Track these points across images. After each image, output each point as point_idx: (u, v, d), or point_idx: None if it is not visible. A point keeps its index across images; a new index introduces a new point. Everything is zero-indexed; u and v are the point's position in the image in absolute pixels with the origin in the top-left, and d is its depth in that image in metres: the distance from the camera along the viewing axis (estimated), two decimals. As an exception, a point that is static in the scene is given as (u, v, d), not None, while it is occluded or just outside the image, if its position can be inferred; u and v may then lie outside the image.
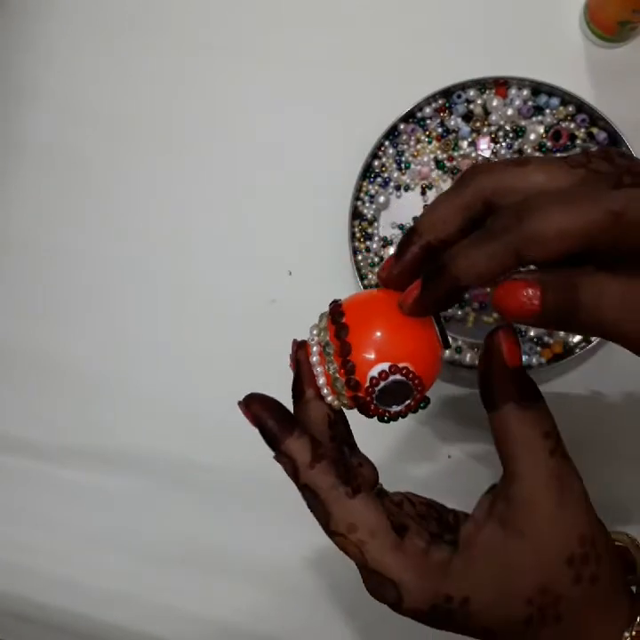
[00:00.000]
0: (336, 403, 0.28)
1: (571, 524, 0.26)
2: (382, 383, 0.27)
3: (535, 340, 0.47)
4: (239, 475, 0.50)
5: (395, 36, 0.52)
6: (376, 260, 0.49)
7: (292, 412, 0.29)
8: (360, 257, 0.49)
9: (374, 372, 0.27)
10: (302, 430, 0.27)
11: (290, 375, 0.50)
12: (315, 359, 0.28)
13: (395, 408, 0.27)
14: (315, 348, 0.28)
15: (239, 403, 0.28)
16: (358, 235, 0.50)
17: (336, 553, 0.51)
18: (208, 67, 0.54)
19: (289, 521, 0.48)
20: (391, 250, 0.49)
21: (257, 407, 0.28)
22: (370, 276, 0.49)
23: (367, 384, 0.27)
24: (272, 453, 0.28)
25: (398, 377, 0.27)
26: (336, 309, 0.28)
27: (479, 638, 0.27)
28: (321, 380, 0.28)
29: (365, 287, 0.48)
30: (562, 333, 0.47)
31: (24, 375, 0.54)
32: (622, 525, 0.39)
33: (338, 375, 0.27)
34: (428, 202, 0.50)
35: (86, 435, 0.53)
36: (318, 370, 0.28)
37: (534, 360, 0.47)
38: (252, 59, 0.54)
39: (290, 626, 0.49)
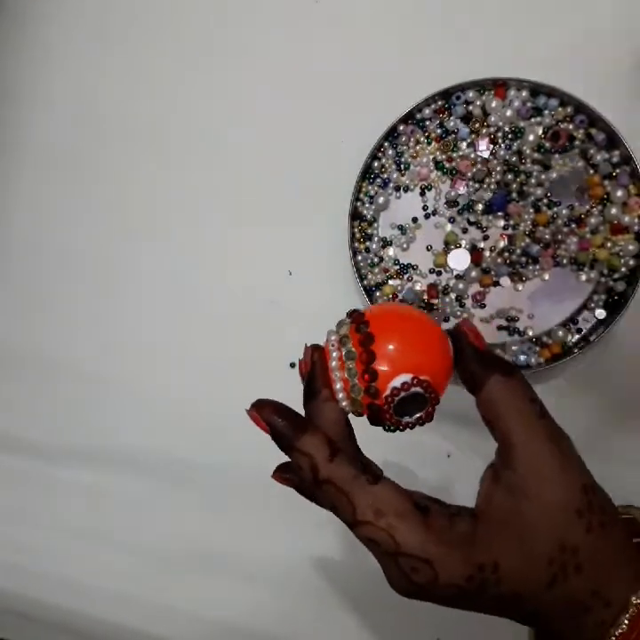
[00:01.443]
0: (349, 408, 0.29)
1: (573, 478, 0.27)
2: (403, 394, 0.27)
3: (534, 340, 0.48)
4: (239, 475, 0.50)
5: (394, 37, 0.52)
6: (376, 260, 0.50)
7: (303, 411, 0.29)
8: (360, 257, 0.49)
9: (397, 382, 0.27)
10: (315, 428, 0.28)
11: (289, 375, 0.50)
12: (334, 364, 0.28)
13: (406, 419, 0.28)
14: (335, 354, 0.28)
15: (248, 409, 0.29)
16: (358, 235, 0.50)
17: (336, 552, 0.52)
18: (208, 68, 0.54)
19: (289, 521, 0.49)
20: (391, 250, 0.50)
21: (267, 411, 0.28)
22: (369, 277, 0.49)
23: (387, 393, 0.27)
24: (284, 455, 0.28)
25: (419, 389, 0.27)
26: (360, 318, 0.29)
27: (505, 610, 0.28)
28: (338, 385, 0.28)
29: (365, 288, 0.48)
30: (560, 333, 0.47)
31: (24, 375, 0.54)
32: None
33: (357, 381, 0.28)
34: (428, 202, 0.50)
35: (86, 435, 0.53)
36: (337, 374, 0.28)
37: (533, 360, 0.47)
38: (253, 60, 0.54)
39: (290, 625, 0.49)
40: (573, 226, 0.48)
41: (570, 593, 0.27)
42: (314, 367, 0.29)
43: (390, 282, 0.49)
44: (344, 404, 0.29)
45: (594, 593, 0.27)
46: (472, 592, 0.27)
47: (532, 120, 0.49)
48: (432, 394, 0.28)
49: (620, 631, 0.26)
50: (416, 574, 0.27)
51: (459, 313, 0.49)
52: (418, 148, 0.50)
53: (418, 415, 0.28)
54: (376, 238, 0.50)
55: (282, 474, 0.30)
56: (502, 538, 0.27)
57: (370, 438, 0.32)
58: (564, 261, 0.48)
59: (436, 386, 0.28)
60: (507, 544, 0.27)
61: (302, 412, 0.29)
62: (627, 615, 0.27)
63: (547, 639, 0.30)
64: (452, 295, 0.49)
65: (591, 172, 0.48)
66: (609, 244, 0.47)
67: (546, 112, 0.49)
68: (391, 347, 0.28)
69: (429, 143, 0.50)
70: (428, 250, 0.49)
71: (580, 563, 0.27)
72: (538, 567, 0.27)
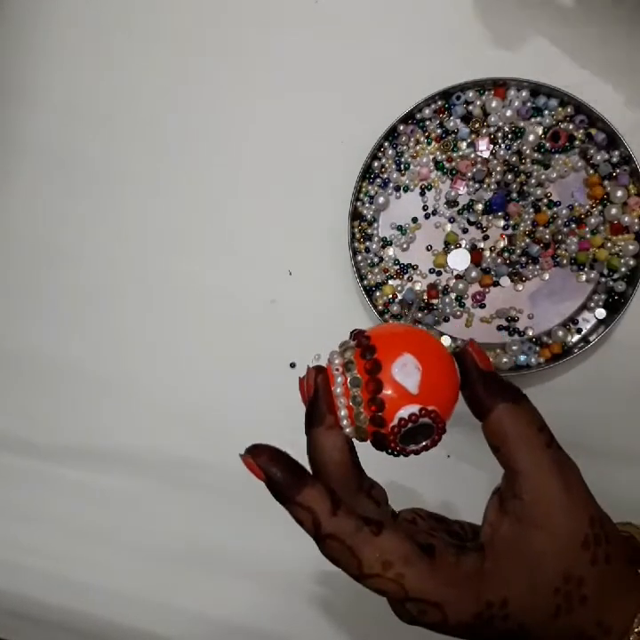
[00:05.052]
0: (352, 435, 0.28)
1: (580, 509, 0.27)
2: (410, 425, 0.26)
3: (534, 340, 0.48)
4: (239, 474, 0.49)
5: (394, 37, 0.52)
6: (375, 260, 0.50)
7: (306, 435, 0.28)
8: (360, 257, 0.49)
9: (404, 413, 0.26)
10: (315, 479, 0.27)
11: (289, 375, 0.50)
12: (339, 390, 0.27)
13: (412, 447, 0.27)
14: (339, 379, 0.27)
15: (242, 455, 0.27)
16: (358, 235, 0.50)
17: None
18: (208, 69, 0.54)
19: (289, 520, 0.48)
20: (391, 250, 0.50)
21: (264, 459, 0.26)
22: (369, 277, 0.49)
23: (394, 423, 0.26)
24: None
25: (427, 420, 0.27)
26: (365, 343, 0.27)
27: (512, 637, 0.27)
28: (342, 412, 0.27)
29: (365, 288, 0.48)
30: (560, 333, 0.47)
31: (24, 375, 0.54)
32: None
33: (362, 410, 0.27)
34: (428, 202, 0.50)
35: (86, 435, 0.53)
36: (341, 401, 0.27)
37: (533, 360, 0.47)
38: (252, 60, 0.54)
39: (290, 624, 0.49)
40: (573, 226, 0.48)
41: (574, 623, 0.27)
42: (317, 392, 0.27)
43: (390, 282, 0.49)
44: (348, 430, 0.28)
45: (598, 623, 0.27)
46: (479, 626, 0.26)
47: (532, 120, 0.49)
48: (440, 424, 0.27)
49: None
50: (425, 616, 0.26)
51: (458, 313, 0.49)
52: (418, 147, 0.50)
53: (424, 443, 0.27)
54: (376, 238, 0.50)
55: (256, 459, 0.27)
56: (510, 571, 0.27)
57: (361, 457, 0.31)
58: (564, 261, 0.48)
59: (443, 415, 0.27)
60: (514, 577, 0.26)
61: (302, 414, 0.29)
62: None
63: None
64: (452, 295, 0.49)
65: (591, 171, 0.48)
66: (609, 245, 0.47)
67: (546, 112, 0.49)
68: (399, 376, 0.26)
69: (429, 143, 0.50)
70: (428, 250, 0.49)
71: (584, 594, 0.26)
72: (543, 597, 0.26)
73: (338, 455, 0.27)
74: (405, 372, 0.26)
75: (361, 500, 0.28)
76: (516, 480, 0.27)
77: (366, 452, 0.30)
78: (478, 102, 0.49)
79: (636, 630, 0.27)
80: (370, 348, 0.27)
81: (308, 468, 0.28)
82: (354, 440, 0.28)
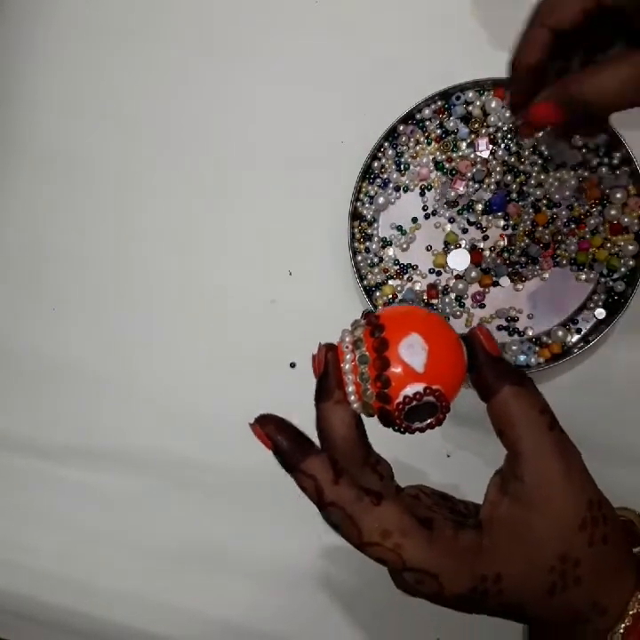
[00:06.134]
0: (360, 410, 0.29)
1: (579, 492, 0.27)
2: (414, 402, 0.27)
3: (534, 340, 0.48)
4: (239, 474, 0.50)
5: (394, 37, 0.52)
6: (375, 260, 0.50)
7: (315, 409, 0.29)
8: (359, 257, 0.50)
9: (409, 391, 0.27)
10: (319, 449, 0.28)
11: (290, 375, 0.51)
12: (347, 366, 0.28)
13: (417, 425, 0.28)
14: (348, 356, 0.28)
15: (251, 424, 0.28)
16: (358, 235, 0.50)
17: (336, 552, 0.52)
18: (207, 68, 0.54)
19: (289, 520, 0.49)
20: (391, 250, 0.50)
21: (271, 428, 0.28)
22: (369, 277, 0.49)
23: (399, 400, 0.27)
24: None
25: (431, 399, 0.27)
26: (375, 322, 0.28)
27: (508, 615, 0.28)
28: (350, 388, 0.28)
29: (364, 288, 0.48)
30: (560, 333, 0.47)
31: (24, 375, 0.54)
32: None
33: (369, 387, 0.28)
34: (428, 202, 0.50)
35: (86, 434, 0.53)
36: (349, 377, 0.28)
37: (533, 360, 0.47)
38: (252, 60, 0.54)
39: (291, 624, 0.49)
40: (573, 226, 0.48)
41: (569, 603, 0.27)
42: (327, 367, 0.29)
43: (390, 282, 0.49)
44: (355, 405, 0.29)
45: (593, 604, 0.27)
46: (475, 600, 0.27)
47: (532, 120, 0.49)
48: (444, 402, 0.27)
49: None
50: (422, 586, 0.27)
51: (458, 313, 0.49)
52: (418, 148, 0.50)
53: (428, 421, 0.28)
54: (376, 238, 0.50)
55: (263, 428, 0.28)
56: (506, 548, 0.27)
57: (369, 436, 0.32)
58: (564, 262, 0.48)
59: (447, 394, 0.28)
60: (510, 554, 0.27)
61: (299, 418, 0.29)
62: (623, 625, 0.27)
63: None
64: (452, 295, 0.49)
65: (590, 173, 0.48)
66: (608, 245, 0.47)
67: (545, 112, 0.49)
68: (405, 354, 0.27)
69: (429, 143, 0.50)
70: (428, 250, 0.50)
71: (579, 575, 0.27)
72: (539, 575, 0.27)
73: (344, 429, 0.28)
74: (412, 351, 0.27)
75: (365, 473, 0.29)
76: (518, 461, 0.27)
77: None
78: (478, 102, 0.49)
79: (630, 612, 0.27)
80: (379, 326, 0.28)
81: (316, 442, 0.29)
82: (362, 416, 0.29)
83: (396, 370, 0.27)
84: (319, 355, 0.29)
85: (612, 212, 0.47)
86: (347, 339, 0.29)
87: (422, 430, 0.28)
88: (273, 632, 0.49)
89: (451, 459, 0.48)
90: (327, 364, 0.29)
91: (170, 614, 0.50)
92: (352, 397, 0.28)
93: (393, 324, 0.28)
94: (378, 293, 0.49)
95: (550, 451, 0.27)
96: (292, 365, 0.51)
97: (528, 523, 0.27)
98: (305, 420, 0.29)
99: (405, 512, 0.27)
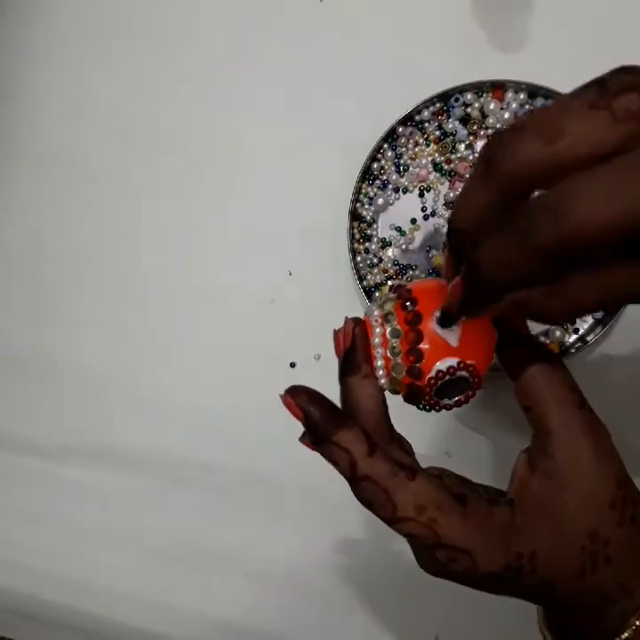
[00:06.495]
0: (386, 386, 0.28)
1: (609, 470, 0.27)
2: (447, 377, 0.26)
3: (532, 340, 0.48)
4: (240, 474, 0.50)
5: (394, 39, 0.52)
6: (375, 260, 0.50)
7: (339, 383, 0.28)
8: (359, 258, 0.50)
9: (443, 365, 0.26)
10: (353, 421, 0.27)
11: (291, 375, 0.51)
12: (377, 340, 0.27)
13: (446, 401, 0.27)
14: (378, 330, 0.27)
15: (282, 395, 0.27)
16: (357, 236, 0.50)
17: (337, 551, 0.52)
18: (208, 68, 0.55)
19: (289, 520, 0.49)
20: (390, 251, 0.50)
21: (303, 398, 0.27)
22: (368, 277, 0.49)
23: (431, 375, 0.27)
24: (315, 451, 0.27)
25: (464, 374, 0.27)
26: (407, 295, 0.27)
27: (535, 596, 0.28)
28: (379, 362, 0.27)
29: (364, 288, 0.49)
30: (558, 333, 0.47)
31: (25, 375, 0.54)
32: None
33: (400, 361, 0.27)
34: (427, 204, 0.50)
35: (86, 434, 0.53)
36: (379, 351, 0.27)
37: (531, 360, 0.47)
38: (252, 62, 0.54)
39: (291, 624, 0.49)
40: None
41: (598, 582, 0.27)
42: (355, 341, 0.28)
43: (390, 282, 0.50)
44: (382, 381, 0.28)
45: (621, 586, 0.27)
46: (508, 579, 0.27)
47: (531, 122, 0.49)
48: (476, 379, 0.27)
49: None
50: (454, 564, 0.26)
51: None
52: (417, 149, 0.50)
53: (457, 398, 0.27)
54: (375, 239, 0.50)
55: (295, 399, 0.27)
56: (539, 526, 0.27)
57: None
58: (562, 262, 0.48)
59: (480, 370, 0.27)
60: (543, 532, 0.27)
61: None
62: None
63: (562, 621, 0.29)
64: (451, 296, 0.49)
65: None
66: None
67: (544, 114, 0.49)
68: (439, 328, 0.27)
69: (428, 145, 0.50)
70: (427, 251, 0.50)
71: (609, 555, 0.27)
72: (570, 555, 0.27)
73: (372, 404, 0.28)
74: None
75: (394, 450, 0.28)
76: (548, 439, 0.27)
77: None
78: (476, 104, 0.49)
79: None
80: (412, 299, 0.27)
81: None
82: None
83: (429, 344, 0.26)
84: (346, 328, 0.28)
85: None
86: (376, 312, 0.28)
87: (449, 408, 0.28)
88: (273, 632, 0.49)
89: (451, 458, 0.49)
90: (354, 337, 0.28)
91: (170, 614, 0.50)
92: (380, 372, 0.27)
93: (425, 298, 0.27)
94: (377, 294, 0.49)
95: (580, 429, 0.27)
96: (292, 365, 0.51)
97: (559, 500, 0.27)
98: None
99: (440, 487, 0.27)
